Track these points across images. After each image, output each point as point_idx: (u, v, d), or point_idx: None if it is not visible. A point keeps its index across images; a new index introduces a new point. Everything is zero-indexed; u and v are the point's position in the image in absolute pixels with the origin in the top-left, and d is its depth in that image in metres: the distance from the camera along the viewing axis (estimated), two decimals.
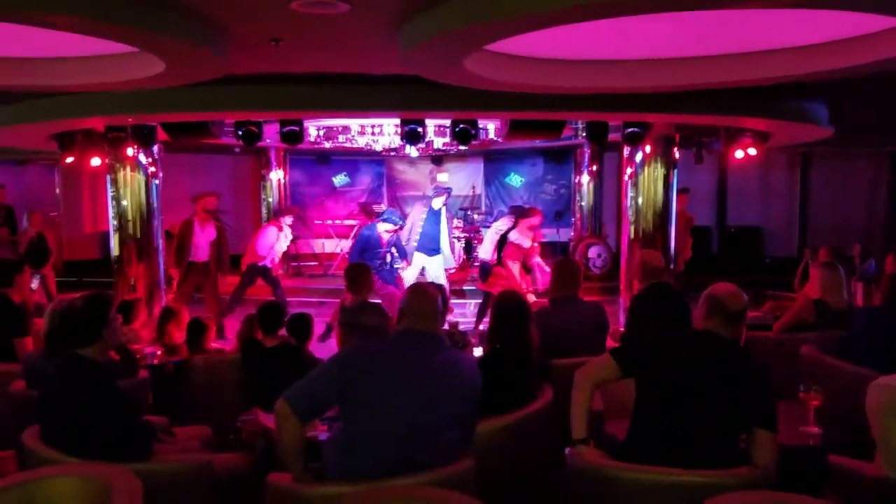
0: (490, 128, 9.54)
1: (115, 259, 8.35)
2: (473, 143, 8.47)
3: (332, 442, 2.94)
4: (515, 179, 14.68)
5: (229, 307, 9.25)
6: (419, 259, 9.26)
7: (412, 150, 11.07)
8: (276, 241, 9.60)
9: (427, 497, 2.52)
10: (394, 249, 9.00)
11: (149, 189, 8.22)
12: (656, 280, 5.10)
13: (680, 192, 8.79)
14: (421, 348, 2.95)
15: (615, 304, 8.88)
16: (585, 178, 13.19)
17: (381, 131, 9.85)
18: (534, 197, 14.45)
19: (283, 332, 4.95)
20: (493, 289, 8.34)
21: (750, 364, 2.96)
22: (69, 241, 13.73)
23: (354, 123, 9.63)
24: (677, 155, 8.43)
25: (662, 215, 8.34)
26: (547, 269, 8.83)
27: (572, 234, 13.55)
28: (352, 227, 13.12)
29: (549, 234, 13.69)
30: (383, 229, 8.77)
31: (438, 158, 14.10)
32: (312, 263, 13.32)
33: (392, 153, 11.84)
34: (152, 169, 8.23)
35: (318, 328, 7.42)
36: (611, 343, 5.22)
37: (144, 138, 7.80)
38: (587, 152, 12.94)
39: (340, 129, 9.83)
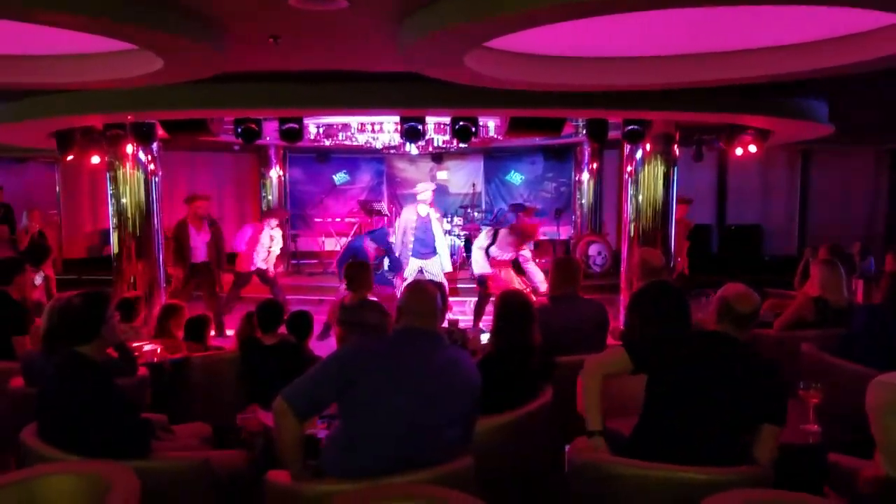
0: (490, 125, 9.53)
1: (114, 257, 8.35)
2: (473, 140, 8.46)
3: (331, 440, 2.94)
4: (516, 177, 14.67)
5: (226, 307, 9.27)
6: (415, 263, 9.23)
7: (412, 148, 11.06)
8: (257, 241, 9.53)
9: (426, 495, 2.52)
10: (386, 261, 8.99)
11: (148, 187, 8.21)
12: (655, 278, 5.09)
13: (682, 201, 8.79)
14: (420, 347, 2.95)
15: (615, 302, 8.87)
16: (586, 176, 13.18)
17: (381, 129, 9.83)
18: (534, 195, 14.44)
19: (282, 330, 4.94)
20: (492, 290, 8.35)
21: (762, 364, 2.95)
22: (69, 238, 13.74)
23: (354, 121, 9.62)
24: (677, 153, 8.42)
25: (662, 213, 8.33)
26: (539, 273, 8.85)
27: (572, 232, 13.55)
28: (352, 224, 13.13)
29: (550, 231, 13.69)
30: (371, 246, 8.76)
31: (438, 156, 14.08)
32: (313, 261, 13.32)
33: (392, 151, 11.83)
34: (151, 166, 8.22)
35: (318, 326, 7.43)
36: (611, 341, 5.21)
37: (144, 136, 7.79)
38: (587, 150, 12.92)
39: (340, 126, 9.82)
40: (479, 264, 8.94)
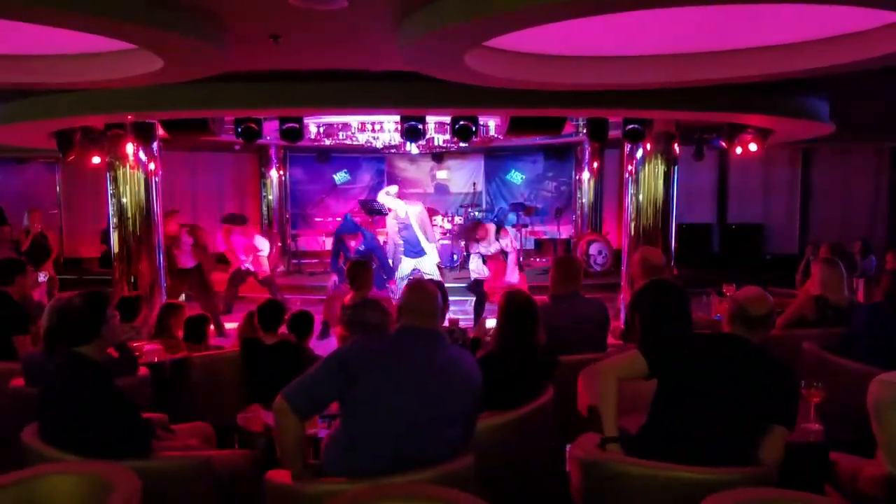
0: (490, 125, 9.54)
1: (115, 256, 8.35)
2: (474, 140, 8.46)
3: (332, 439, 2.93)
4: (516, 176, 14.68)
5: (225, 307, 9.33)
6: (408, 263, 9.24)
7: (413, 147, 11.07)
8: (231, 242, 9.56)
9: (427, 495, 2.51)
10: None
11: (148, 186, 8.21)
12: (656, 277, 5.08)
13: None
14: (421, 346, 2.94)
15: (616, 301, 8.88)
16: (586, 175, 13.18)
17: (382, 128, 9.84)
18: (535, 194, 14.46)
19: (283, 329, 4.94)
20: (491, 294, 8.38)
21: (775, 366, 2.94)
22: (69, 238, 13.75)
23: (354, 120, 9.63)
24: (678, 152, 8.42)
25: (663, 212, 8.34)
26: (515, 272, 8.90)
27: (573, 231, 13.55)
28: None
29: (550, 231, 13.70)
30: (349, 238, 8.71)
31: (439, 155, 14.10)
32: (313, 261, 13.33)
33: (392, 150, 11.83)
34: (152, 166, 8.22)
35: (319, 326, 7.44)
36: (612, 340, 5.21)
37: (144, 136, 7.79)
38: (588, 149, 12.93)
39: (340, 125, 9.82)
40: (476, 270, 9.01)
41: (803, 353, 4.71)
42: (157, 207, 8.37)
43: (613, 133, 8.22)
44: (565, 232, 13.54)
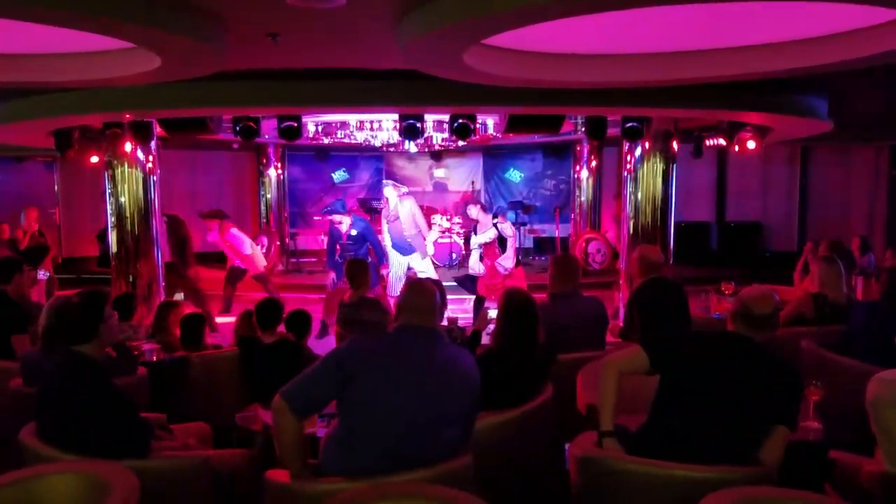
0: (489, 123, 9.53)
1: (113, 255, 8.35)
2: (472, 138, 8.45)
3: (330, 438, 2.93)
4: (515, 175, 14.68)
5: (224, 306, 9.33)
6: (396, 258, 9.23)
7: (411, 146, 11.06)
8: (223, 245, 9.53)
9: (425, 494, 2.51)
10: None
11: (147, 185, 8.21)
12: (655, 274, 5.09)
13: None
14: (420, 344, 2.93)
15: (614, 299, 8.88)
16: (585, 174, 13.18)
17: (380, 127, 9.83)
18: (533, 192, 14.46)
19: (281, 328, 4.94)
20: (487, 293, 8.37)
21: (779, 365, 2.93)
22: (68, 237, 13.74)
23: (353, 119, 9.61)
24: (676, 150, 8.42)
25: (662, 210, 8.34)
26: (510, 259, 8.88)
27: (572, 229, 13.55)
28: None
29: (549, 229, 13.70)
30: (336, 220, 8.61)
31: (438, 154, 14.09)
32: (312, 259, 13.32)
33: (391, 149, 11.82)
34: (150, 165, 8.21)
35: (318, 325, 7.43)
36: (610, 338, 5.22)
37: (141, 134, 7.78)
38: (586, 147, 12.93)
39: (339, 124, 9.81)
40: (474, 266, 9.02)
41: (802, 351, 4.71)
42: (156, 206, 8.36)
43: (612, 131, 8.22)
44: (564, 230, 13.54)
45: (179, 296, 8.65)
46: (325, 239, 12.77)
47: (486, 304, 8.26)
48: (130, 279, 8.20)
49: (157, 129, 8.03)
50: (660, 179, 8.30)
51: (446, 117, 7.99)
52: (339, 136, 10.16)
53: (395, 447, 2.75)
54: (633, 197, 8.45)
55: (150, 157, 8.23)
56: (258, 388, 4.35)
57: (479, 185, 14.42)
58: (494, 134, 9.97)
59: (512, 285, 6.28)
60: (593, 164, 13.06)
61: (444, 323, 4.98)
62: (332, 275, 8.46)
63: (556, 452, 4.14)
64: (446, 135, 9.44)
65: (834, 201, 13.70)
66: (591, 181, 13.17)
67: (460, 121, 7.70)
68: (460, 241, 12.22)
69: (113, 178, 8.17)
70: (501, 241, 8.87)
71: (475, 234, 8.94)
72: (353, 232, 8.37)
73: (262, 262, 9.70)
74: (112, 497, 2.47)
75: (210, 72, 5.61)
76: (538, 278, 9.05)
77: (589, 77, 5.86)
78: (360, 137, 10.19)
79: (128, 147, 7.99)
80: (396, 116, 7.99)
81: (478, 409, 3.10)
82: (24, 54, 5.52)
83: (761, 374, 2.89)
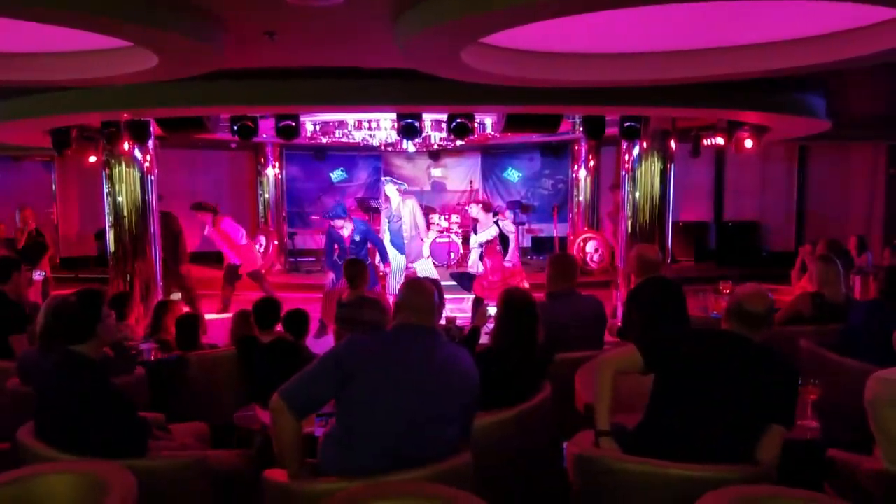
0: (487, 122, 9.53)
1: (111, 255, 8.33)
2: (471, 137, 8.45)
3: (329, 438, 2.92)
4: (513, 174, 14.68)
5: (223, 307, 9.34)
6: (395, 257, 9.26)
7: (409, 145, 11.05)
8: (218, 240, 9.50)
9: (424, 493, 2.51)
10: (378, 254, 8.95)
11: (144, 185, 8.20)
12: (653, 274, 5.09)
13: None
14: (419, 343, 2.93)
15: (612, 298, 8.88)
16: (583, 173, 13.18)
17: (378, 126, 9.82)
18: (531, 192, 14.46)
19: (279, 327, 4.93)
20: (483, 292, 8.39)
21: (775, 363, 2.93)
22: (65, 237, 13.72)
23: (351, 118, 9.61)
24: (674, 149, 8.43)
25: (660, 209, 8.35)
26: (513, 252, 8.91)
27: (569, 228, 13.55)
28: None
29: (547, 228, 13.70)
30: (339, 224, 8.64)
31: (436, 153, 14.08)
32: (310, 259, 13.32)
33: (389, 148, 11.82)
34: (147, 164, 8.20)
35: (316, 325, 7.43)
36: (608, 337, 5.22)
37: (139, 134, 7.78)
38: (584, 147, 12.93)
39: (337, 123, 9.80)
40: (473, 263, 9.04)
41: (800, 350, 4.72)
42: (153, 205, 8.35)
43: (610, 130, 8.22)
44: (562, 230, 13.54)
45: (176, 295, 8.64)
46: (323, 238, 12.85)
47: (486, 302, 8.28)
48: (128, 278, 8.19)
49: (155, 129, 8.02)
50: (658, 179, 8.31)
51: (444, 116, 7.99)
52: (337, 135, 10.14)
53: (394, 446, 2.74)
54: (630, 196, 8.46)
55: (148, 157, 8.21)
56: (256, 387, 4.35)
57: (478, 184, 14.42)
58: (492, 133, 9.96)
59: (513, 283, 6.29)
60: (591, 163, 13.07)
61: (443, 322, 4.98)
62: (331, 275, 8.47)
63: (554, 451, 4.14)
64: (444, 134, 9.44)
65: (832, 200, 13.71)
66: (589, 181, 13.17)
67: (458, 120, 7.70)
68: (458, 241, 12.21)
69: (110, 177, 8.16)
70: (503, 239, 8.89)
71: (475, 233, 8.95)
72: (357, 237, 8.42)
73: (257, 257, 9.68)
74: (110, 497, 2.46)
75: (208, 71, 5.60)
76: (536, 278, 9.06)
77: (587, 76, 5.86)
78: (358, 137, 10.18)
79: (125, 146, 7.98)
80: (394, 116, 7.99)
81: (477, 408, 3.10)
82: (21, 53, 5.51)
83: (759, 372, 2.89)
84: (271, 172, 13.62)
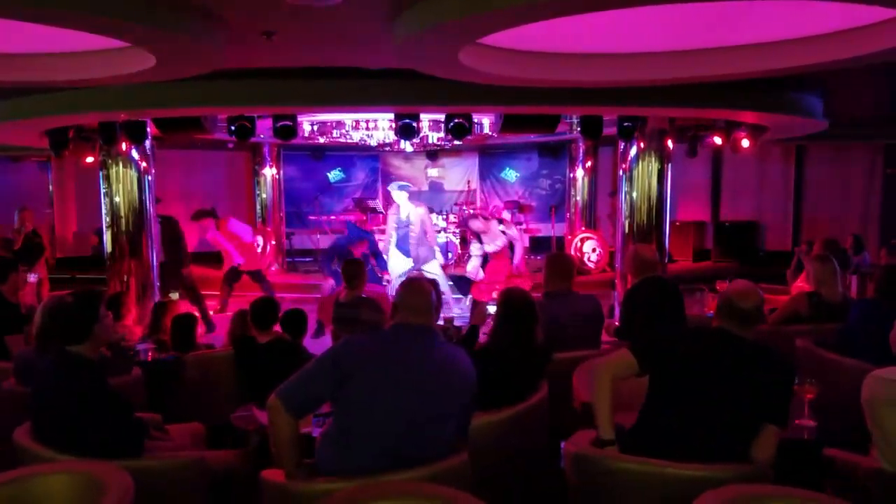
0: (485, 122, 9.53)
1: (107, 255, 8.32)
2: (468, 137, 8.45)
3: (326, 438, 2.92)
4: (510, 174, 14.68)
5: (221, 306, 9.34)
6: (400, 260, 9.28)
7: (407, 145, 11.06)
8: (219, 243, 9.50)
9: (422, 493, 2.51)
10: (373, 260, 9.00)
11: (141, 185, 8.19)
12: (650, 273, 5.09)
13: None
14: (418, 343, 2.93)
15: (610, 298, 8.89)
16: (580, 173, 13.19)
17: (376, 126, 9.82)
18: (529, 192, 14.46)
19: (276, 327, 4.93)
20: (481, 295, 8.41)
21: (769, 362, 2.93)
22: (62, 237, 13.70)
23: (348, 118, 9.60)
24: (671, 149, 8.44)
25: (657, 209, 8.36)
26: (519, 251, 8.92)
27: (567, 228, 13.56)
28: (346, 222, 13.12)
29: (545, 228, 13.70)
30: (356, 245, 8.75)
31: (433, 153, 14.08)
32: (308, 259, 13.31)
33: (387, 148, 11.82)
34: (144, 165, 8.19)
35: (314, 325, 7.42)
36: (606, 337, 5.22)
37: (135, 134, 7.77)
38: (582, 147, 12.93)
39: (334, 123, 9.80)
40: (475, 268, 9.04)
41: (797, 350, 4.73)
42: (150, 206, 8.34)
43: (608, 130, 8.23)
44: (560, 230, 13.55)
45: (174, 295, 8.63)
46: (321, 238, 12.87)
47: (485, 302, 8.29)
48: (124, 279, 8.18)
49: (152, 129, 8.01)
50: (655, 179, 8.33)
51: (442, 117, 8.00)
52: (334, 135, 10.14)
53: (393, 446, 2.74)
54: (628, 196, 8.47)
55: (145, 157, 8.21)
56: (254, 387, 4.34)
57: (475, 184, 14.42)
58: (490, 133, 9.97)
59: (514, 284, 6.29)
60: (589, 163, 13.08)
61: (440, 322, 4.98)
62: (331, 281, 8.50)
63: (552, 451, 4.14)
64: (442, 134, 9.44)
65: (829, 200, 13.72)
66: (586, 181, 13.18)
67: (456, 120, 7.69)
68: (456, 241, 12.22)
69: (107, 177, 8.15)
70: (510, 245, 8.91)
71: (479, 241, 8.92)
72: (367, 251, 8.53)
73: (260, 256, 9.70)
74: (107, 497, 2.46)
75: (205, 71, 5.60)
76: (534, 277, 9.07)
77: (584, 76, 5.86)
78: (355, 137, 10.18)
79: (122, 147, 7.97)
80: (392, 116, 7.98)
81: (475, 408, 3.10)
82: (18, 53, 5.50)
83: (754, 371, 2.89)
84: (269, 172, 13.61)
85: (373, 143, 10.56)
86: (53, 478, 2.67)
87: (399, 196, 9.21)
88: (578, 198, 13.27)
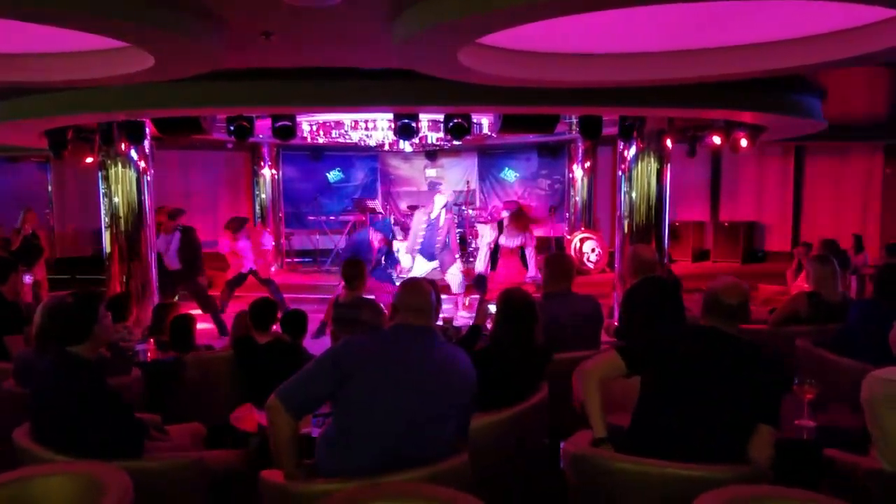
0: (484, 122, 9.54)
1: (106, 256, 8.32)
2: (467, 137, 8.46)
3: (325, 438, 2.92)
4: (510, 174, 14.68)
5: (221, 306, 9.31)
6: (421, 263, 9.33)
7: (406, 146, 11.06)
8: (234, 249, 9.51)
9: (422, 493, 2.51)
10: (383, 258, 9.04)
11: (140, 185, 8.19)
12: (649, 273, 5.09)
13: None
14: (418, 343, 2.93)
15: (610, 298, 8.88)
16: (579, 173, 13.20)
17: (375, 126, 9.83)
18: (528, 192, 14.45)
19: (276, 328, 4.92)
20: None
21: (761, 360, 2.93)
22: (61, 238, 13.69)
23: (347, 118, 9.60)
24: (670, 149, 8.44)
25: (656, 209, 8.36)
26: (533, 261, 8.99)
27: (566, 228, 13.56)
28: (346, 223, 13.11)
29: (544, 229, 13.69)
30: (375, 237, 8.79)
31: (432, 153, 14.08)
32: (307, 259, 13.31)
33: (386, 148, 11.82)
34: (143, 165, 8.19)
35: (315, 325, 7.41)
36: (605, 337, 5.21)
37: (134, 135, 7.76)
38: (581, 147, 12.94)
39: (333, 123, 9.80)
40: (482, 262, 9.07)
41: (797, 350, 4.73)
42: (149, 206, 8.34)
43: (607, 130, 8.23)
44: (558, 229, 13.55)
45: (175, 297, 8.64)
46: (321, 239, 12.87)
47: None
48: (123, 279, 8.17)
49: (151, 129, 8.01)
50: (654, 179, 8.33)
51: (441, 117, 8.00)
52: (333, 135, 10.15)
53: (394, 446, 2.74)
54: (627, 196, 8.47)
55: (144, 158, 8.20)
56: (253, 388, 4.34)
57: (474, 184, 14.42)
58: (489, 134, 9.97)
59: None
60: (588, 163, 13.08)
61: (439, 323, 4.98)
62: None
63: (552, 451, 4.14)
64: (441, 134, 9.45)
65: (828, 200, 13.72)
66: (585, 180, 13.19)
67: (455, 120, 7.70)
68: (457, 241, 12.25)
69: (106, 178, 8.15)
70: (522, 260, 8.97)
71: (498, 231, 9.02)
72: (384, 249, 8.60)
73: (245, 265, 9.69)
74: (107, 498, 2.46)
75: (204, 71, 5.59)
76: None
77: (583, 77, 5.86)
78: (354, 137, 10.19)
79: (121, 147, 7.97)
80: (391, 116, 7.98)
81: (474, 408, 3.10)
82: (16, 54, 5.50)
83: (747, 371, 2.89)
84: (268, 173, 13.61)
85: (372, 143, 10.57)
86: (53, 478, 2.67)
87: (439, 199, 9.34)
88: (577, 198, 13.28)
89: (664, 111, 7.64)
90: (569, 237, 12.82)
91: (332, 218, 13.44)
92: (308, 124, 9.79)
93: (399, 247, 10.10)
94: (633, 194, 8.40)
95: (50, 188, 13.87)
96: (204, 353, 5.33)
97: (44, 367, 3.29)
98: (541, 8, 3.83)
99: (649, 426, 2.99)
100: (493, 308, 4.58)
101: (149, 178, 8.30)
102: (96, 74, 5.49)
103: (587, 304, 5.01)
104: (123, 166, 8.10)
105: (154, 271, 8.45)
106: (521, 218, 9.06)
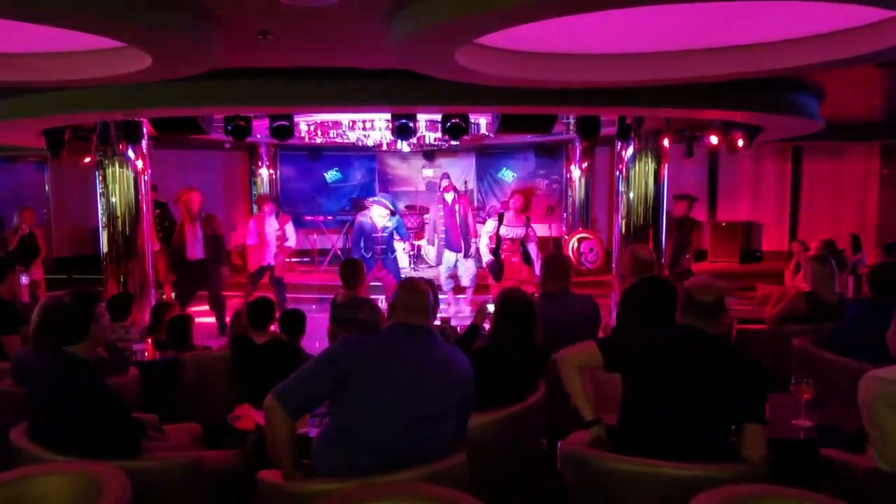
0: (481, 122, 9.54)
1: (104, 256, 8.30)
2: (465, 137, 8.47)
3: (323, 438, 2.92)
4: (507, 174, 14.69)
5: (246, 300, 9.28)
6: (449, 256, 9.37)
7: (404, 146, 11.06)
8: (263, 234, 9.44)
9: (420, 493, 2.51)
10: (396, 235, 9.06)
11: (137, 185, 8.17)
12: (646, 273, 5.09)
13: (683, 198, 8.91)
14: (416, 343, 2.93)
15: (607, 298, 8.89)
16: (577, 173, 13.21)
17: (373, 126, 9.82)
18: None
19: (274, 328, 4.92)
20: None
21: (739, 358, 2.95)
22: (58, 238, 13.66)
23: (345, 118, 9.60)
24: (668, 149, 8.44)
25: (653, 209, 8.37)
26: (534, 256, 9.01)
27: (564, 228, 13.57)
28: (343, 223, 13.12)
29: (542, 228, 13.70)
30: (377, 214, 8.74)
31: (430, 153, 14.08)
32: (304, 259, 13.31)
33: (383, 148, 11.82)
34: (140, 164, 8.17)
35: (314, 325, 7.39)
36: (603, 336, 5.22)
37: (132, 134, 7.75)
38: (579, 147, 12.95)
39: (331, 123, 9.79)
40: (485, 253, 9.11)
41: (794, 350, 4.73)
42: (146, 206, 8.33)
43: (604, 131, 8.24)
44: (556, 229, 13.56)
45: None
46: (318, 239, 12.85)
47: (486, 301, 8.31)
48: (121, 279, 8.16)
49: (148, 129, 7.99)
50: (651, 179, 8.33)
51: (439, 117, 8.00)
52: (331, 135, 10.15)
53: (392, 446, 2.74)
54: (624, 196, 8.47)
55: (141, 157, 8.19)
56: (251, 387, 4.34)
57: (472, 184, 14.43)
58: (487, 134, 9.98)
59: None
60: (585, 164, 13.09)
61: (437, 322, 4.98)
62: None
63: (550, 451, 4.14)
64: (439, 134, 9.45)
65: (825, 200, 13.73)
66: (583, 180, 13.20)
67: (453, 120, 7.69)
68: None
69: (104, 178, 8.13)
70: (526, 256, 8.97)
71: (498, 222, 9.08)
72: (385, 233, 8.60)
73: (268, 257, 9.62)
74: (105, 497, 2.46)
75: (201, 71, 5.59)
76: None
77: (580, 77, 5.86)
78: (352, 137, 10.19)
79: (119, 147, 7.96)
80: (389, 116, 7.98)
81: (472, 407, 3.10)
82: (14, 53, 5.49)
83: (721, 367, 2.90)
84: (265, 173, 13.60)
85: (369, 143, 10.58)
86: (50, 478, 2.67)
87: (445, 183, 9.73)
88: (575, 198, 13.29)
89: (662, 111, 7.64)
90: (566, 237, 12.84)
91: (329, 218, 13.43)
92: (306, 124, 9.78)
93: (420, 243, 10.21)
94: (631, 194, 8.40)
95: (47, 188, 13.85)
96: (202, 353, 5.32)
97: (41, 367, 3.28)
98: (539, 8, 3.83)
99: (631, 427, 3.00)
100: (491, 308, 4.59)
101: (146, 178, 8.28)
102: (94, 74, 5.48)
103: (585, 303, 5.02)
104: (121, 166, 8.07)
105: (151, 271, 8.43)
106: (518, 205, 9.14)
